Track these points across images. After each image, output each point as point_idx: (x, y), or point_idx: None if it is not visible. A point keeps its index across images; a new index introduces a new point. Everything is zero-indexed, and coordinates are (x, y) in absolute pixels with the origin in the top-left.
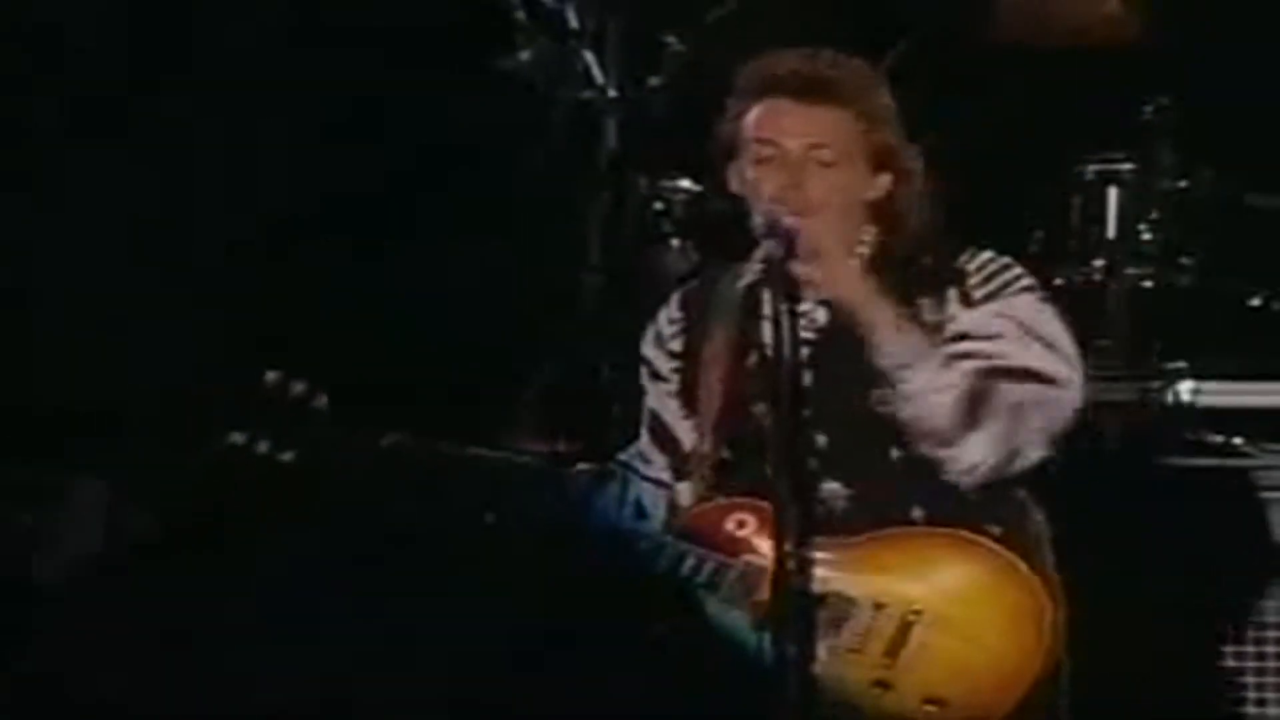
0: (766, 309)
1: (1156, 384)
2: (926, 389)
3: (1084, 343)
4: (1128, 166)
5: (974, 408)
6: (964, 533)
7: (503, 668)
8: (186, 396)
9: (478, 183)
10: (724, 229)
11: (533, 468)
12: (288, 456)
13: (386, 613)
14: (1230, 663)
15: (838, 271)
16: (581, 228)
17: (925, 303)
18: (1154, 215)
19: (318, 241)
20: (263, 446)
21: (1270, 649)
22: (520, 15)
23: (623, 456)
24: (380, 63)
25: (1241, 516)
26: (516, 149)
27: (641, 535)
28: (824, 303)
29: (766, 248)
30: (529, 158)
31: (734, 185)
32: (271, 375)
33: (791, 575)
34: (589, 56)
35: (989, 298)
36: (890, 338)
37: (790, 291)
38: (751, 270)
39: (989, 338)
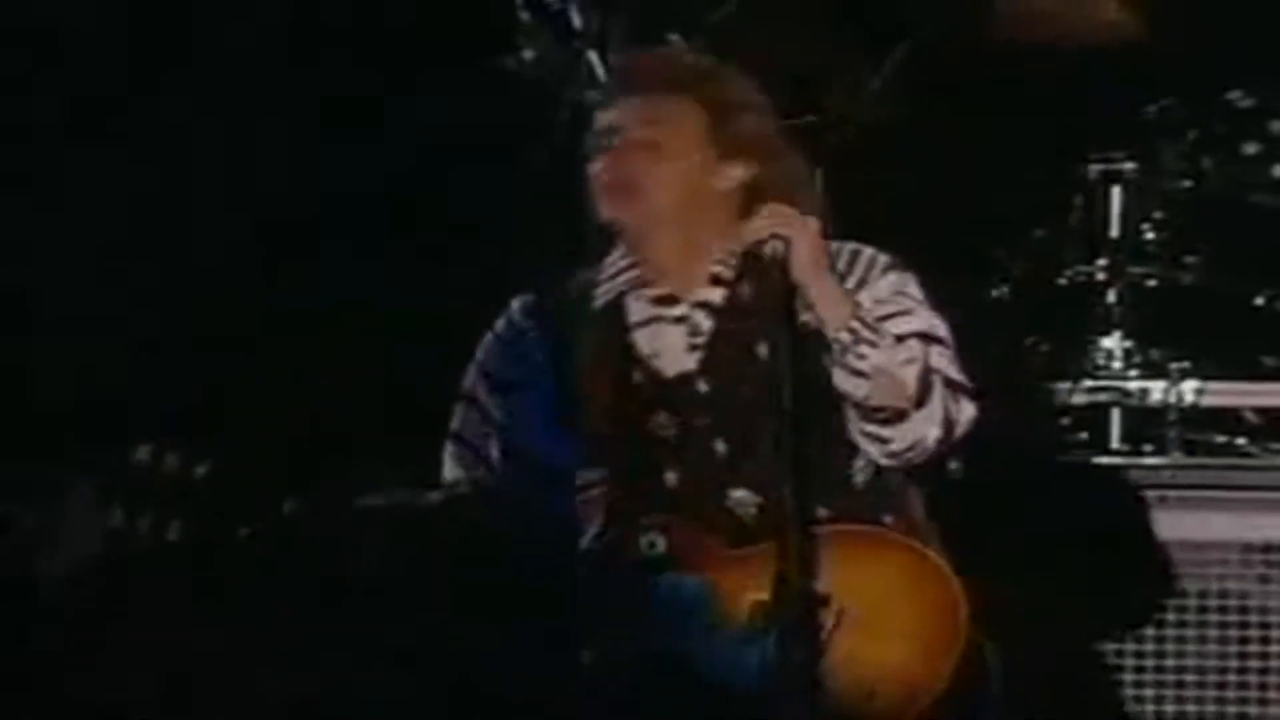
0: (633, 317)
1: (1159, 384)
2: (888, 364)
3: (1087, 342)
4: (1131, 166)
5: (925, 383)
6: (882, 530)
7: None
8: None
9: (479, 183)
10: None
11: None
12: (172, 535)
13: (386, 609)
14: (1233, 662)
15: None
16: (582, 228)
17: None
18: (1157, 215)
19: (314, 241)
20: (143, 526)
21: (1274, 648)
22: (523, 15)
23: (460, 472)
24: (381, 63)
25: (1239, 517)
26: (519, 149)
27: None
28: (701, 304)
29: (769, 249)
30: (532, 158)
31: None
32: (143, 449)
33: (794, 579)
34: (592, 57)
35: (859, 285)
36: (845, 314)
37: (787, 303)
38: (610, 277)
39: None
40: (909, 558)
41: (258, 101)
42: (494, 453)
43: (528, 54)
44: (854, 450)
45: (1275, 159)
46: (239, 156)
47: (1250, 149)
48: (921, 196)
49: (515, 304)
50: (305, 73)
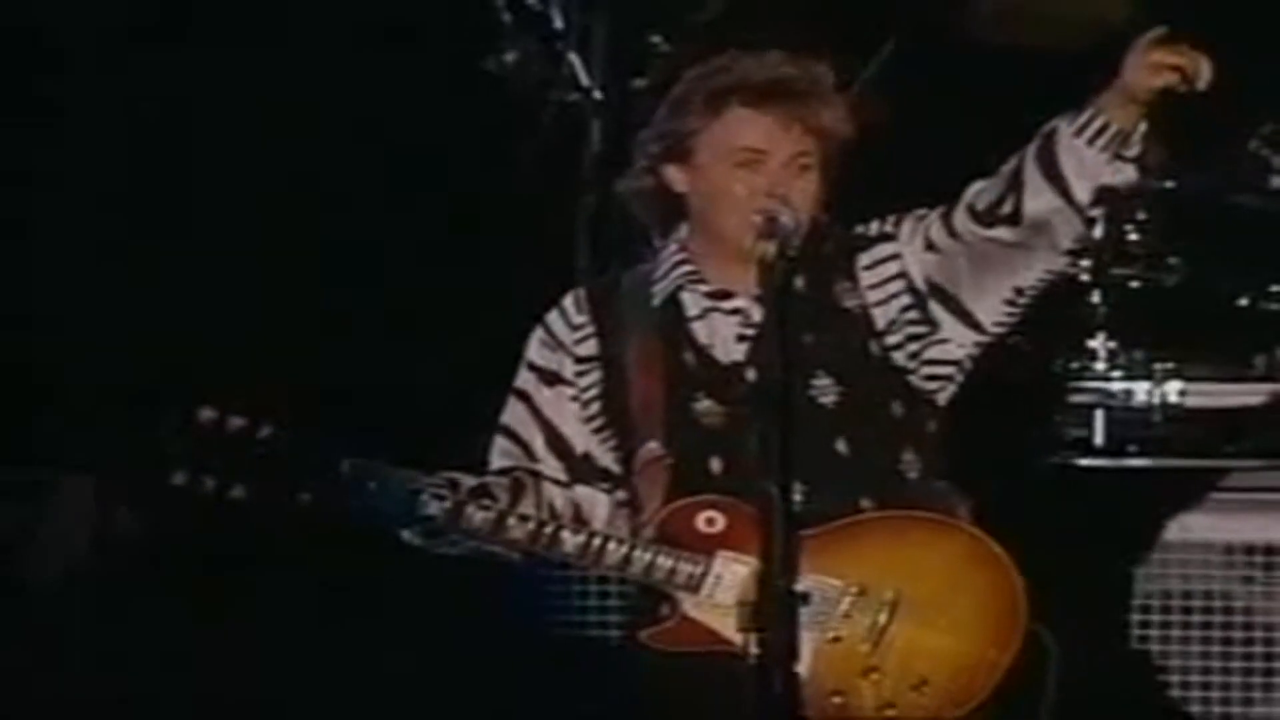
0: (691, 310)
1: (1143, 384)
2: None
3: (1072, 343)
4: None
5: None
6: (934, 515)
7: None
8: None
9: (464, 184)
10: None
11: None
12: (237, 493)
13: (383, 602)
14: (1216, 663)
15: None
16: (568, 229)
17: (841, 287)
18: (1141, 215)
19: (305, 241)
20: (208, 485)
21: (1258, 648)
22: (505, 17)
23: (506, 463)
24: (367, 64)
25: (1223, 518)
26: (503, 151)
27: (613, 544)
28: (759, 298)
29: (760, 248)
30: (516, 159)
31: (682, 186)
32: (206, 412)
33: (777, 574)
34: (574, 58)
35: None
36: None
37: (783, 287)
38: (665, 274)
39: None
40: (970, 544)
41: (249, 99)
42: (537, 445)
43: (509, 56)
44: (903, 446)
45: (1261, 159)
46: (233, 153)
47: (1235, 150)
48: (906, 195)
49: (568, 298)
50: (290, 71)
